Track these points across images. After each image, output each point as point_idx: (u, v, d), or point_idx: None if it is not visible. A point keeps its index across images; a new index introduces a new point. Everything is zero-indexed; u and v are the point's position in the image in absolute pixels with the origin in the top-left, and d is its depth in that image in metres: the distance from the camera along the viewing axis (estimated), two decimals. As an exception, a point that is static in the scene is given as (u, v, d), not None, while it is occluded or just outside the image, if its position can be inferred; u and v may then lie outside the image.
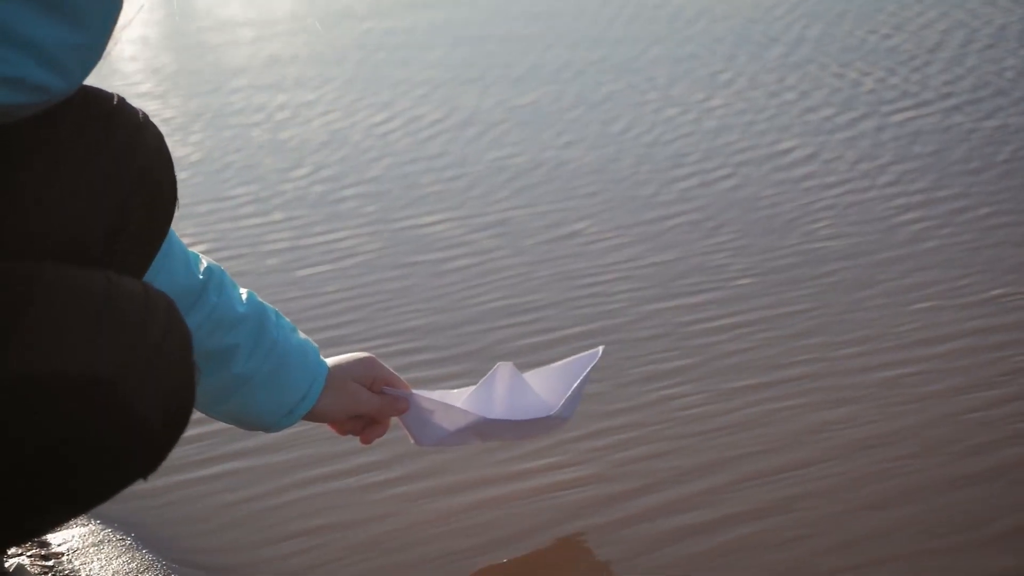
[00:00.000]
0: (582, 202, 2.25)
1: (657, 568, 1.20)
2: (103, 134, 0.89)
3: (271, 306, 1.11)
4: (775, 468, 1.35)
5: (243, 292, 1.10)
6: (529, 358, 1.64)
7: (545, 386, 1.24)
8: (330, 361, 1.16)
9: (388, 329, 1.78)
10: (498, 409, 1.22)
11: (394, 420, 1.21)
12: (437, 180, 2.43)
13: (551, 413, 1.21)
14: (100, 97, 0.91)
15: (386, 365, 1.20)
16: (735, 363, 1.59)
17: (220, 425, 1.47)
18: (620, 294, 1.84)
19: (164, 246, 1.05)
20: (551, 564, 1.24)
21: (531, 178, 2.40)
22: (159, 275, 1.03)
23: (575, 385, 1.22)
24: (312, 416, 1.14)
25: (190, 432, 1.32)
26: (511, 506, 1.32)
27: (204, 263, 1.08)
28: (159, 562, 1.27)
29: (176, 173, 0.94)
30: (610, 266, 1.95)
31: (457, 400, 1.21)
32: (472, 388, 1.23)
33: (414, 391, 1.20)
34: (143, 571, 1.25)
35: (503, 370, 1.23)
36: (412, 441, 1.22)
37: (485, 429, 1.21)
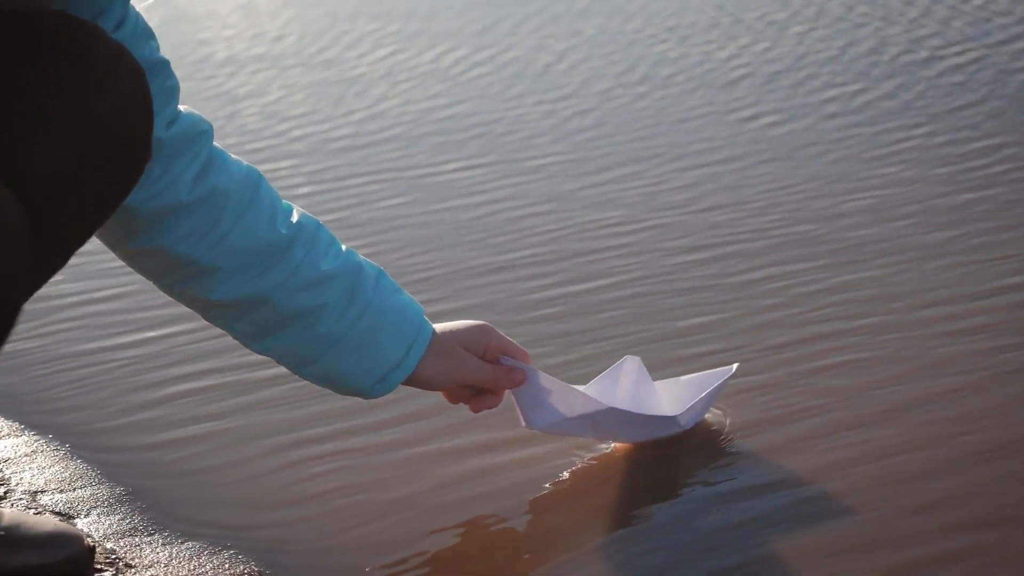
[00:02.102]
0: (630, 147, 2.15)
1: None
2: (76, 67, 0.83)
3: (374, 265, 1.07)
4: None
5: (340, 248, 1.06)
6: (560, 307, 1.56)
7: (670, 394, 1.21)
8: (439, 326, 1.11)
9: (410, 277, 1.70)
10: (627, 404, 1.18)
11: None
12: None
13: (676, 415, 1.18)
14: (77, 25, 0.85)
15: (503, 334, 1.14)
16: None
17: (225, 378, 1.46)
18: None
19: (248, 195, 1.01)
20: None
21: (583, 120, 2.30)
22: (236, 225, 1.00)
23: (704, 395, 1.19)
24: (415, 382, 1.10)
25: (190, 385, 1.22)
26: (532, 467, 1.24)
27: (296, 216, 1.04)
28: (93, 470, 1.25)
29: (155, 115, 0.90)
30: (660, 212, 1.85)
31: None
32: (595, 379, 1.19)
33: (534, 368, 1.15)
34: (77, 479, 1.24)
35: (630, 364, 1.19)
36: (522, 422, 1.18)
37: (603, 420, 1.17)
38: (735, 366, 1.23)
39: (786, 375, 1.34)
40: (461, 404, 1.18)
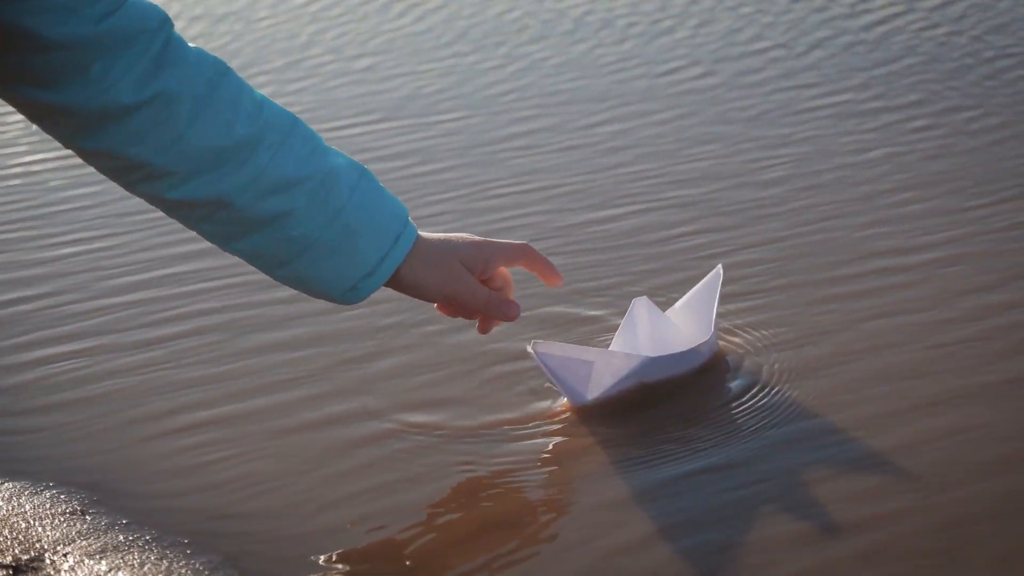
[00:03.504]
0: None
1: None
2: None
3: (357, 164, 0.99)
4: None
5: (318, 147, 0.98)
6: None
7: (689, 318, 1.21)
8: (440, 235, 1.02)
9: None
10: (655, 347, 1.18)
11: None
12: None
13: (709, 336, 1.17)
14: None
15: (540, 254, 1.06)
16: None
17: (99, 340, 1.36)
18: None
19: (206, 94, 0.94)
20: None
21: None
22: (191, 127, 0.93)
23: (716, 307, 1.18)
24: (403, 288, 1.01)
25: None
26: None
27: (264, 115, 0.96)
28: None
29: None
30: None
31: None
32: (616, 334, 1.18)
33: (564, 346, 1.12)
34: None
35: (639, 307, 1.18)
36: (566, 402, 1.15)
37: (648, 372, 1.15)
38: (720, 266, 1.21)
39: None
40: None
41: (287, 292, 1.43)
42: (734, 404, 1.16)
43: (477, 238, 1.04)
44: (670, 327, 1.21)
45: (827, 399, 1.16)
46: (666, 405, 1.16)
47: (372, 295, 1.01)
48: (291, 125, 0.97)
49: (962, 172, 1.63)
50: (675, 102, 1.97)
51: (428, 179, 1.75)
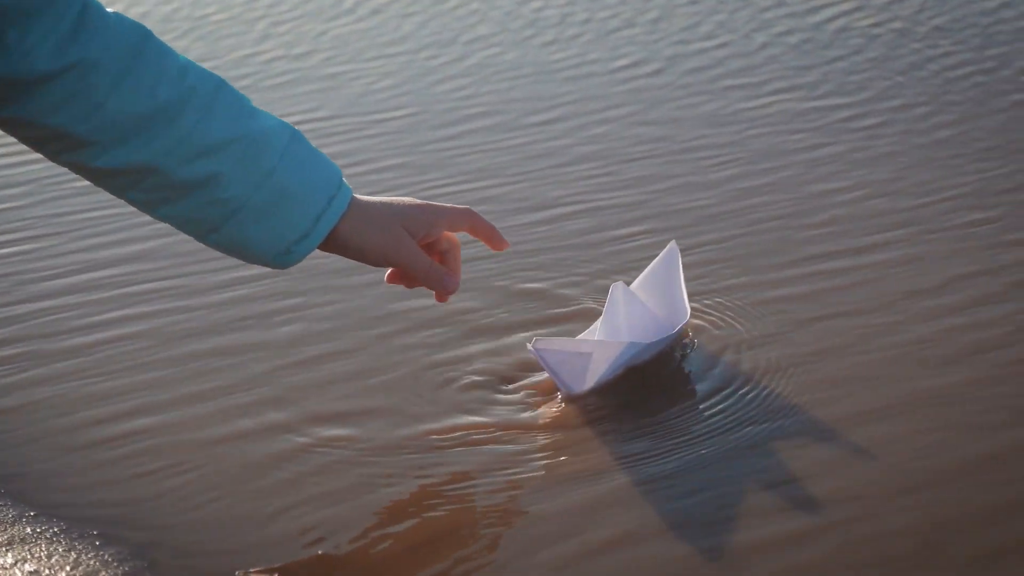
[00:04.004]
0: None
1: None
2: None
3: (288, 126, 0.97)
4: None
5: (247, 109, 0.96)
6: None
7: (663, 298, 1.24)
8: (377, 198, 1.00)
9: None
10: (637, 330, 1.20)
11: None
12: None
13: (688, 317, 1.21)
14: None
15: (484, 219, 1.03)
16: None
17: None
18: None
19: (128, 60, 0.91)
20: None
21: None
22: (113, 94, 0.90)
23: (683, 286, 1.22)
24: (348, 251, 0.98)
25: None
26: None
27: (190, 77, 0.94)
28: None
29: None
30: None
31: (594, 338, 1.19)
32: (600, 321, 1.20)
33: (564, 340, 1.15)
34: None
35: (617, 291, 1.19)
36: (564, 393, 1.16)
37: (638, 355, 1.18)
38: (673, 242, 1.25)
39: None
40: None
41: (220, 296, 1.40)
42: (685, 409, 1.14)
43: (420, 202, 1.01)
44: (646, 311, 1.22)
45: (777, 403, 1.14)
46: (615, 409, 1.14)
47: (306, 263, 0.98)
48: (217, 87, 0.95)
49: (915, 170, 1.61)
50: (626, 99, 1.94)
51: (370, 178, 1.72)
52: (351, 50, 2.30)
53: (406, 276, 1.02)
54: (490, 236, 1.04)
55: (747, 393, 1.16)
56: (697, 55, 2.12)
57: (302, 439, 1.13)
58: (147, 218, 1.44)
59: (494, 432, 1.13)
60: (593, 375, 1.16)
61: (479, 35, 2.32)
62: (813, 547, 0.96)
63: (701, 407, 1.14)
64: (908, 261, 1.37)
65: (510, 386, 1.19)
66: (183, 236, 1.07)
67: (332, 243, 0.98)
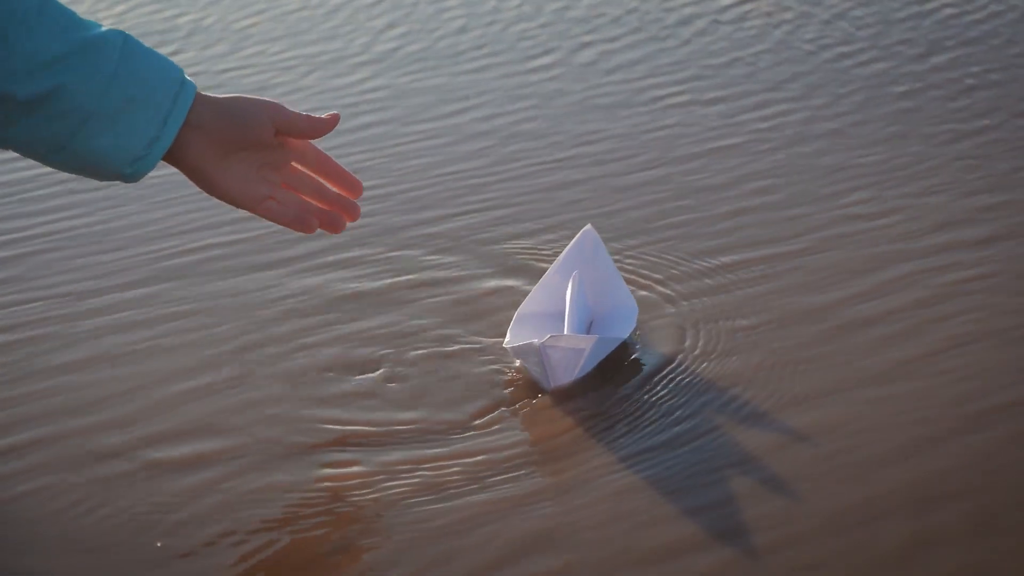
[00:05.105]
0: None
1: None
2: None
3: (117, 30, 0.95)
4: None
5: (74, 22, 0.94)
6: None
7: (607, 289, 1.25)
8: (216, 95, 0.99)
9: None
10: (600, 327, 1.24)
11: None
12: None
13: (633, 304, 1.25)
14: None
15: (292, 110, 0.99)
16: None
17: None
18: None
19: None
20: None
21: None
22: None
23: (617, 273, 1.25)
24: (199, 177, 0.98)
25: None
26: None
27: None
28: None
29: None
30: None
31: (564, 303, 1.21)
32: (567, 314, 1.20)
33: (553, 335, 1.15)
34: None
35: (574, 281, 1.22)
36: (552, 385, 1.17)
37: (606, 348, 1.21)
38: (590, 226, 1.27)
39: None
40: None
41: (93, 303, 1.35)
42: (623, 398, 1.16)
43: (264, 98, 0.99)
44: (595, 305, 1.25)
45: (705, 392, 1.16)
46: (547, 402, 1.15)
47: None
48: (42, 3, 0.94)
49: (820, 157, 1.61)
50: (529, 92, 1.91)
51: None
52: (291, 40, 2.23)
53: (285, 146, 0.99)
54: (308, 128, 1.00)
55: (681, 379, 1.18)
56: (598, 44, 2.10)
57: (188, 449, 1.10)
58: None
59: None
60: (585, 367, 1.18)
61: (384, 26, 2.28)
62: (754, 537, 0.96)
63: (638, 392, 1.16)
64: (829, 246, 1.38)
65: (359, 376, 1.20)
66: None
67: (185, 145, 0.97)
